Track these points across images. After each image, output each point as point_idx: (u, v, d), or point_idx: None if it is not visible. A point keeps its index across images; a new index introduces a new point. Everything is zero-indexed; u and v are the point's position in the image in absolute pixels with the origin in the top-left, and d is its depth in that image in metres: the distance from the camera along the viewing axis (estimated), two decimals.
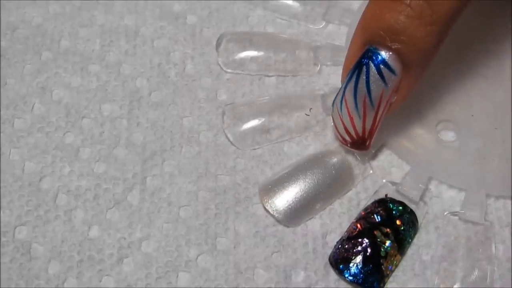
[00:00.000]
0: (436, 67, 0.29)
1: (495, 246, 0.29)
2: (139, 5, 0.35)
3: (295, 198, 0.29)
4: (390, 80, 0.27)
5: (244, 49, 0.33)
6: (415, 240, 0.29)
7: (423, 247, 0.29)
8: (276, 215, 0.29)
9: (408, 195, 0.29)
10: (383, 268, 0.28)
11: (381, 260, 0.28)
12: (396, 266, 0.28)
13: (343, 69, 0.29)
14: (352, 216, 0.29)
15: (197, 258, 0.28)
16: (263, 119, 0.31)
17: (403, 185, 0.29)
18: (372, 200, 0.29)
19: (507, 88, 0.31)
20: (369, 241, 0.28)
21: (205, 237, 0.29)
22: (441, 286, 0.28)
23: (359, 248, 0.28)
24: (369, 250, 0.28)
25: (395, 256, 0.28)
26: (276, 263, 0.28)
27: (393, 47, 0.26)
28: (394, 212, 0.29)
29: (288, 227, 0.29)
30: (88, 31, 0.34)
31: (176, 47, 0.33)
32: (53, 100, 0.32)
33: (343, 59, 0.29)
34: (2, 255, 0.28)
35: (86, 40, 0.34)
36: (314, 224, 0.29)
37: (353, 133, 0.28)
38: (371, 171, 0.30)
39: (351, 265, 0.28)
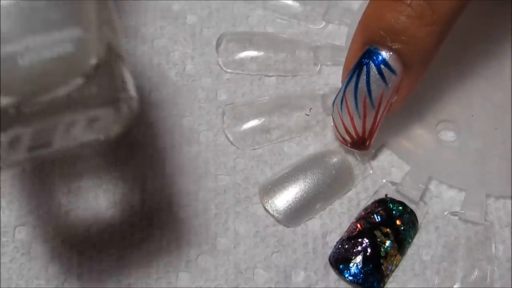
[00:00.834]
0: (436, 67, 0.29)
1: (495, 246, 0.29)
2: (139, 5, 0.35)
3: (295, 198, 0.29)
4: (391, 80, 0.27)
5: (244, 49, 0.33)
6: (415, 240, 0.29)
7: (423, 247, 0.29)
8: (276, 215, 0.29)
9: (408, 195, 0.29)
10: (383, 268, 0.28)
11: (381, 260, 0.28)
12: (396, 266, 0.28)
13: (343, 69, 0.29)
14: (352, 216, 0.29)
15: (197, 258, 0.28)
16: (263, 119, 0.31)
17: (403, 185, 0.29)
18: (372, 200, 0.29)
19: (507, 88, 0.31)
20: (369, 241, 0.28)
21: (205, 237, 0.29)
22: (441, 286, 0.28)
23: (359, 248, 0.28)
24: (369, 250, 0.28)
25: (395, 256, 0.28)
26: (276, 263, 0.28)
27: (393, 47, 0.26)
28: (394, 212, 0.29)
29: (288, 227, 0.29)
30: None
31: (176, 47, 0.33)
32: None
33: (343, 59, 0.29)
34: (2, 255, 0.28)
35: None
36: (314, 224, 0.29)
37: (353, 133, 0.28)
38: (371, 171, 0.30)
39: (351, 265, 0.28)
